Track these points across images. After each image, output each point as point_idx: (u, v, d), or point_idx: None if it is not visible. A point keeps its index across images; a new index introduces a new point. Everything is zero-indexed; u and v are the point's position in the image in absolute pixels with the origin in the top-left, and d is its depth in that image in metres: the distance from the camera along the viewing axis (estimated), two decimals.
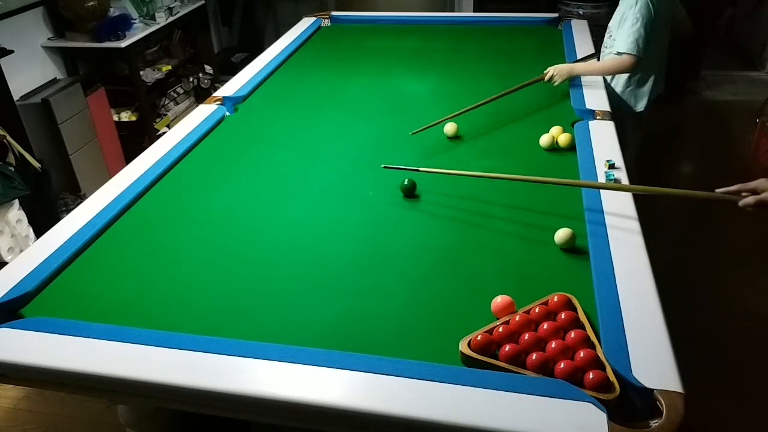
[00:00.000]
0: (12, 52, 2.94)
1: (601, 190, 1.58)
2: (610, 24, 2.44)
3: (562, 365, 1.05)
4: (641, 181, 1.72)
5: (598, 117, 1.99)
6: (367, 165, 1.86)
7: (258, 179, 1.82)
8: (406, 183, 1.68)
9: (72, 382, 1.14)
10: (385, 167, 1.69)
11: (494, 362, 1.08)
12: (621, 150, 1.79)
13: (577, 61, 2.45)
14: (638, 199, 1.54)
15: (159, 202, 1.71)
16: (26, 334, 1.17)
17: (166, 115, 4.11)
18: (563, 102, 2.21)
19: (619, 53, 2.26)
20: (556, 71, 2.25)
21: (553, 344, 1.10)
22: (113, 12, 3.57)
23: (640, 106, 2.47)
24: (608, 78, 2.46)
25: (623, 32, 2.25)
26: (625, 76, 2.42)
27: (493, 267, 1.39)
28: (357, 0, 4.96)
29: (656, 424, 0.94)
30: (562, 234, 1.42)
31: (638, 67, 2.30)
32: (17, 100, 3.04)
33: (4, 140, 2.76)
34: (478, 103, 2.12)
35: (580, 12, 4.05)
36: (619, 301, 1.20)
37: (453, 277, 1.36)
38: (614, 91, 2.48)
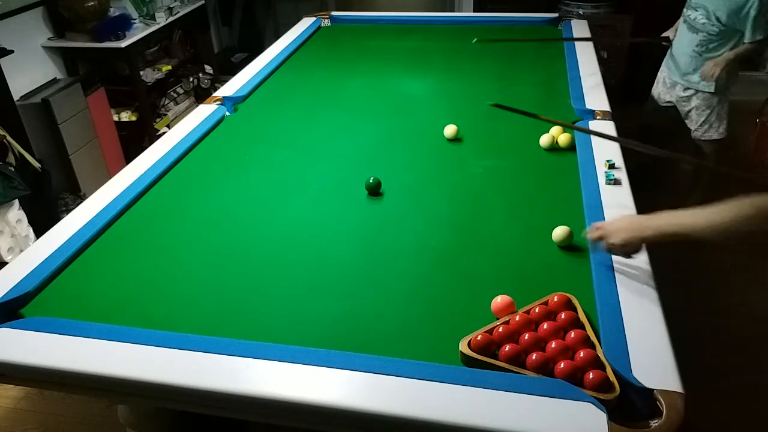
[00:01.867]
0: (12, 52, 2.94)
1: (602, 191, 1.58)
2: (708, 7, 2.50)
3: (562, 365, 1.05)
4: (640, 182, 1.72)
5: (598, 117, 1.99)
6: (367, 165, 1.86)
7: (258, 179, 1.82)
8: (371, 181, 1.69)
9: (72, 382, 1.14)
10: (492, 105, 1.61)
11: (494, 362, 1.08)
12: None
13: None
14: (638, 199, 1.55)
15: (159, 202, 1.71)
16: (26, 334, 1.18)
17: (166, 115, 4.11)
18: (563, 102, 2.20)
19: (756, 41, 2.46)
20: (715, 68, 2.50)
21: (553, 344, 1.10)
22: (113, 12, 3.57)
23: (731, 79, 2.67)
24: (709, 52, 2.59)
25: (754, 21, 2.41)
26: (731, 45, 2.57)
27: (493, 267, 1.39)
28: (357, 0, 4.96)
29: (656, 424, 0.94)
30: (559, 232, 1.42)
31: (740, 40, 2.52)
32: (17, 100, 3.03)
33: (4, 140, 2.76)
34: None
35: (580, 12, 4.05)
36: (619, 301, 1.20)
37: (453, 277, 1.36)
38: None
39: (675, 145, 2.86)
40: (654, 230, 1.23)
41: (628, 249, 1.27)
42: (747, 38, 2.47)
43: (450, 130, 1.99)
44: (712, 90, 2.63)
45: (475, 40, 1.92)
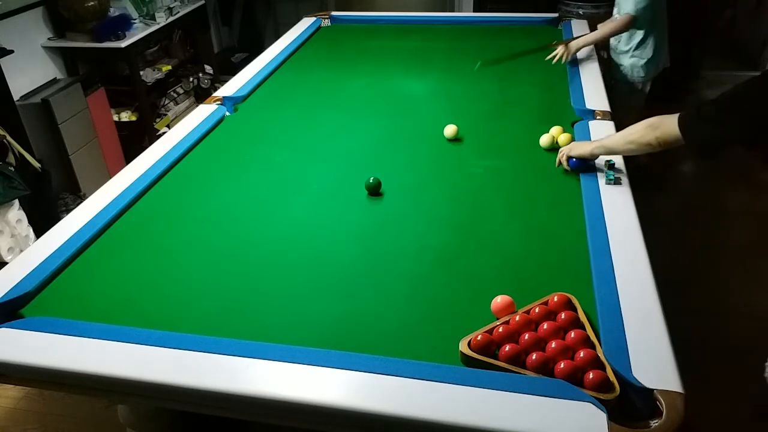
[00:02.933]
0: (12, 52, 2.94)
1: (602, 191, 1.58)
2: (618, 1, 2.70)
3: (562, 365, 1.05)
4: (640, 182, 1.72)
5: (598, 117, 1.99)
6: (367, 165, 1.86)
7: (258, 179, 1.82)
8: (371, 181, 1.68)
9: (72, 382, 1.14)
10: None
11: (494, 362, 1.08)
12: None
13: (575, 38, 2.66)
14: (638, 199, 1.55)
15: (159, 202, 1.71)
16: (26, 334, 1.18)
17: (166, 115, 4.11)
18: (563, 102, 2.20)
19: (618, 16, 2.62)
20: (563, 50, 2.50)
21: (553, 344, 1.10)
22: (113, 12, 3.57)
23: (649, 74, 2.76)
24: (618, 48, 2.77)
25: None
26: (634, 44, 2.69)
27: (493, 267, 1.39)
28: (357, 0, 4.96)
29: (656, 424, 0.94)
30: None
31: (648, 36, 2.64)
32: (17, 100, 3.03)
33: (4, 140, 2.76)
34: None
35: (580, 12, 4.04)
36: (619, 301, 1.20)
37: (453, 277, 1.36)
38: (624, 60, 2.76)
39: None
40: (589, 145, 1.66)
41: (575, 155, 1.69)
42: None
43: (450, 130, 1.99)
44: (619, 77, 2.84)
45: (478, 64, 2.00)
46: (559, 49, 2.52)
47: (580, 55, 2.59)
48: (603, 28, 2.61)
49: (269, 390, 1.04)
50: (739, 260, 2.78)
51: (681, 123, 1.40)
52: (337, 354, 1.11)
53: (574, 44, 2.53)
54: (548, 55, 2.58)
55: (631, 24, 2.56)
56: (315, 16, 3.37)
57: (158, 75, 3.95)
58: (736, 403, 2.05)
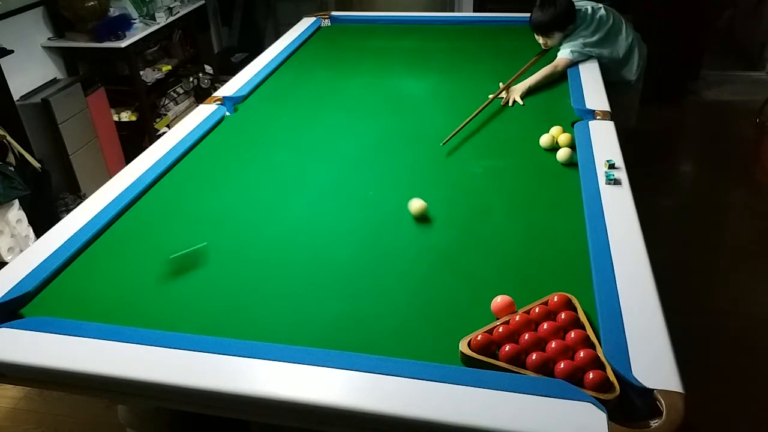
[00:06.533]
0: (12, 52, 2.94)
1: (602, 191, 1.58)
2: None
3: (562, 365, 1.05)
4: (640, 182, 1.72)
5: (598, 117, 1.99)
6: (367, 165, 1.86)
7: (258, 179, 1.82)
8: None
9: (72, 382, 1.14)
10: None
11: (494, 362, 1.08)
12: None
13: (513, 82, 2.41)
14: (638, 200, 1.55)
15: (159, 202, 1.71)
16: (26, 334, 1.17)
17: (166, 115, 4.12)
18: (563, 102, 2.21)
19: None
20: (513, 93, 2.30)
21: (553, 344, 1.10)
22: (113, 12, 3.58)
23: (635, 75, 2.71)
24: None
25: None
26: (617, 58, 2.63)
27: (493, 267, 1.39)
28: (357, 0, 4.96)
29: (656, 424, 0.94)
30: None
31: (627, 51, 2.63)
32: (17, 100, 3.04)
33: (4, 140, 2.76)
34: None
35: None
36: (619, 301, 1.20)
37: (453, 277, 1.36)
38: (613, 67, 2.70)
39: None
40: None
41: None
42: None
43: (416, 205, 1.57)
44: None
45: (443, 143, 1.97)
46: (504, 95, 2.30)
47: None
48: (543, 71, 2.42)
49: (269, 390, 1.04)
50: (739, 260, 2.78)
51: None
52: (337, 354, 1.11)
53: (515, 90, 2.30)
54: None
55: (569, 65, 2.49)
56: (315, 16, 3.37)
57: (158, 75, 3.95)
58: (736, 402, 2.05)
